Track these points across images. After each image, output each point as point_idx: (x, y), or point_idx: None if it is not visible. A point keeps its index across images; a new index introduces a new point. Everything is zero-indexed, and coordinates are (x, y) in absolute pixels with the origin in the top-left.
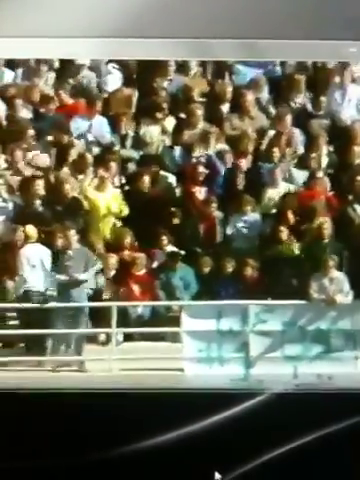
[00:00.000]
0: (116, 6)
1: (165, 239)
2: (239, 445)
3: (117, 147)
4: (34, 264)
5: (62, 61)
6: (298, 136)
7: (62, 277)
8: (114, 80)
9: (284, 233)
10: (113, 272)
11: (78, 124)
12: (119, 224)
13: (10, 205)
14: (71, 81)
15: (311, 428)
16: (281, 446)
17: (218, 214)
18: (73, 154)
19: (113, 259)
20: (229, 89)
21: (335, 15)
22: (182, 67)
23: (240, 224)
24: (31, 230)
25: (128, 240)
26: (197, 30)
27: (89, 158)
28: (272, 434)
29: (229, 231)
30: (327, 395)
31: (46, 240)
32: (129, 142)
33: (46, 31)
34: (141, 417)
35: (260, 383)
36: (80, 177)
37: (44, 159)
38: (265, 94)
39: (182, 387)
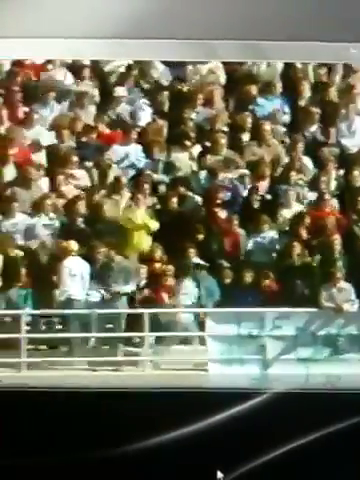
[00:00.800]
0: (119, 7)
1: (192, 252)
2: (241, 444)
3: (150, 171)
4: (75, 274)
5: (102, 95)
6: (308, 163)
7: (106, 288)
8: (146, 113)
9: (297, 248)
10: (144, 282)
11: (116, 151)
12: (151, 239)
13: (56, 223)
14: (110, 113)
15: (314, 427)
16: (283, 445)
17: (241, 231)
18: (111, 178)
19: (145, 270)
20: (249, 120)
21: (336, 16)
22: (208, 101)
23: (258, 240)
24: (73, 245)
25: (158, 253)
26: (200, 31)
27: (125, 181)
28: (275, 433)
29: (249, 246)
30: (330, 394)
31: (87, 254)
32: (160, 167)
33: (48, 31)
34: (142, 416)
35: (276, 382)
36: (117, 198)
37: (85, 182)
38: (281, 125)
39: (183, 387)
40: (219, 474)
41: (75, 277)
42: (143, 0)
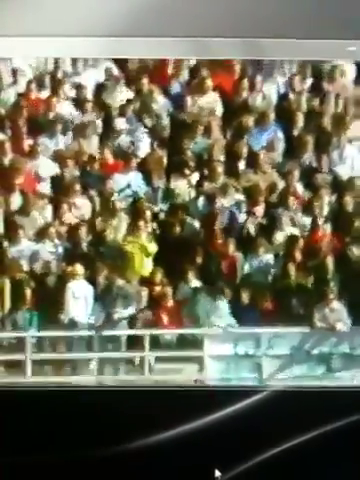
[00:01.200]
0: (116, 5)
1: (190, 275)
2: (239, 443)
3: (150, 198)
4: (78, 297)
5: (104, 126)
6: (300, 189)
7: (107, 311)
8: (146, 143)
9: (292, 270)
10: (145, 303)
11: (117, 179)
12: (151, 263)
13: (60, 248)
14: (112, 144)
15: (311, 426)
16: (281, 444)
17: (238, 254)
18: (113, 205)
19: (145, 292)
20: (245, 149)
21: (334, 14)
22: (206, 129)
23: (255, 263)
24: (79, 269)
25: (159, 277)
26: (197, 29)
27: (126, 207)
28: (272, 432)
29: (246, 268)
30: (327, 392)
31: (90, 277)
32: (160, 194)
33: (46, 30)
34: (140, 415)
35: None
36: (118, 223)
37: (88, 209)
38: (277, 153)
39: (180, 385)
40: (217, 473)
41: (79, 299)
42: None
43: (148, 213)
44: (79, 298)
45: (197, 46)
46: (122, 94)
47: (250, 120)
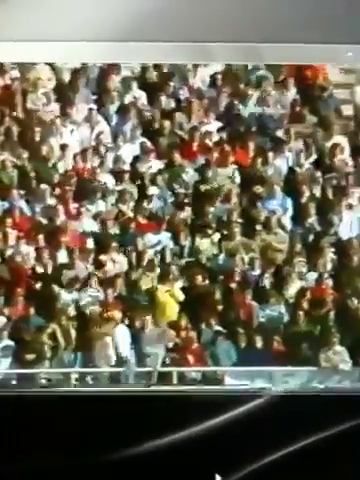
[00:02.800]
0: (118, 11)
1: (212, 321)
2: (239, 447)
3: (177, 253)
4: (116, 338)
5: (139, 191)
6: (307, 248)
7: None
8: (174, 207)
9: (301, 318)
10: (172, 344)
11: (150, 238)
12: (178, 310)
13: (101, 296)
14: (145, 207)
15: (311, 430)
16: (281, 448)
17: (254, 303)
18: (146, 259)
19: (173, 335)
20: (259, 213)
21: (333, 20)
22: (226, 196)
23: (268, 311)
24: (117, 314)
25: (184, 322)
26: (198, 34)
27: (157, 262)
28: (272, 436)
29: (261, 316)
30: (327, 397)
31: (129, 321)
32: (186, 250)
33: (49, 35)
34: (140, 420)
35: None
36: (151, 275)
37: (124, 263)
38: (287, 217)
39: (181, 391)
40: (218, 478)
41: (116, 341)
42: (142, 4)
43: (175, 267)
44: (117, 339)
45: (198, 51)
46: (154, 165)
47: (262, 189)
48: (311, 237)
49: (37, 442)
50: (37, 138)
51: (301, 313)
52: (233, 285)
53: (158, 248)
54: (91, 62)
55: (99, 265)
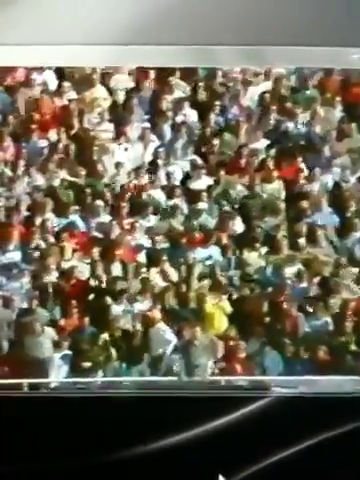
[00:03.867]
0: (121, 14)
1: (259, 331)
2: (243, 448)
3: (226, 267)
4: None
5: (189, 206)
6: (352, 261)
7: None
8: (223, 221)
9: (346, 328)
10: (221, 355)
11: (199, 252)
12: (227, 321)
13: (151, 306)
14: (195, 222)
15: (314, 432)
16: (284, 449)
17: (300, 314)
18: (195, 272)
19: (221, 345)
20: (305, 228)
21: (338, 22)
22: (272, 210)
23: (314, 322)
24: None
25: (233, 332)
26: (201, 37)
27: (206, 274)
28: (275, 438)
29: (307, 326)
30: (330, 399)
31: (178, 333)
32: (233, 263)
33: (52, 38)
34: (143, 421)
35: None
36: (200, 285)
37: (174, 276)
38: (333, 231)
39: (183, 392)
40: (221, 478)
41: (164, 348)
42: (143, 7)
43: (224, 279)
44: (165, 347)
45: (201, 54)
46: (204, 181)
47: (307, 204)
48: (357, 250)
49: (36, 443)
50: (93, 156)
51: (346, 324)
52: (280, 297)
53: (208, 262)
54: (93, 65)
55: (150, 278)
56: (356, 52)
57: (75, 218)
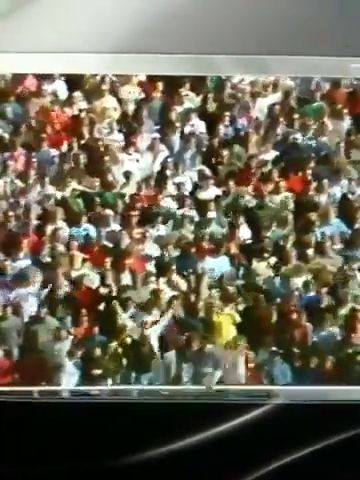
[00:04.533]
0: (122, 23)
1: (268, 341)
2: (246, 455)
3: (234, 276)
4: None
5: (199, 216)
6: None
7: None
8: (232, 231)
9: (354, 339)
10: (229, 364)
11: (208, 261)
12: (235, 330)
13: (159, 315)
14: (204, 232)
15: (316, 438)
16: (284, 457)
17: (308, 325)
18: (204, 282)
19: (230, 356)
20: (313, 238)
21: (338, 32)
22: (281, 221)
23: (322, 333)
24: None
25: (242, 343)
26: (202, 46)
27: (214, 285)
28: (276, 445)
29: (315, 337)
30: (330, 406)
31: (186, 342)
32: (242, 274)
33: (54, 46)
34: (145, 428)
35: None
36: (209, 294)
37: (183, 286)
38: (340, 241)
39: (185, 399)
40: None
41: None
42: (143, 16)
43: (233, 289)
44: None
45: (202, 63)
46: (213, 192)
47: (315, 216)
48: None
49: (39, 447)
50: (103, 166)
51: (353, 334)
52: (289, 307)
53: (217, 271)
54: (92, 73)
55: (159, 287)
56: (356, 61)
57: (88, 227)
